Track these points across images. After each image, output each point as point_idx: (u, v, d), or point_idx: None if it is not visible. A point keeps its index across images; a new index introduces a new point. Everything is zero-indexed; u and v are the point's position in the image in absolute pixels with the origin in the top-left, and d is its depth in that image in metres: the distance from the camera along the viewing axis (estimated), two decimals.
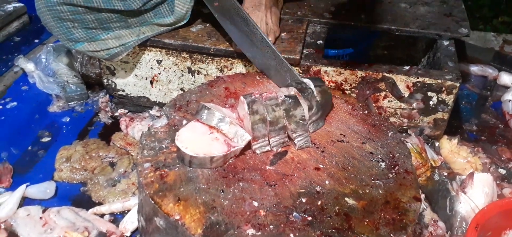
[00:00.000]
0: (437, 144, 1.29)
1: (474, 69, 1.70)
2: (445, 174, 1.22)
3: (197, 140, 0.83)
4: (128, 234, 1.05)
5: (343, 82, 1.17)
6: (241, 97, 0.88)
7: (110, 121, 1.37)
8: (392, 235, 0.74)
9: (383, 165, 0.87)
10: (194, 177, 0.81)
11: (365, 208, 0.79)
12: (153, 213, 0.79)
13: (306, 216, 0.76)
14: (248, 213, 0.76)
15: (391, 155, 0.90)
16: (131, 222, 1.06)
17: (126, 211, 1.10)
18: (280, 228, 0.74)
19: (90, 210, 1.10)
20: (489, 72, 1.69)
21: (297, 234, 0.73)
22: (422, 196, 1.14)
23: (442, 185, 1.15)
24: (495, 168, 1.27)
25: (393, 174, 0.85)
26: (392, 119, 1.21)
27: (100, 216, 1.10)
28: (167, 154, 0.84)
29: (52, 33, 1.16)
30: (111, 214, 1.10)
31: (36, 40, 1.73)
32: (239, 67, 1.19)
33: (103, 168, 1.20)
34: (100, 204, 1.12)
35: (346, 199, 0.80)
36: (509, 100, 1.53)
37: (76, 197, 1.14)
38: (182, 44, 1.18)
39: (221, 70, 1.20)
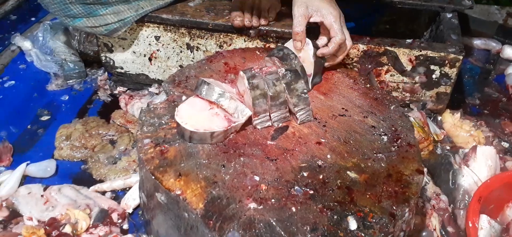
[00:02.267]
0: (439, 118, 1.28)
1: (477, 42, 1.68)
2: (448, 147, 1.21)
3: (197, 115, 0.82)
4: (130, 210, 1.05)
5: (345, 57, 1.15)
6: (241, 72, 0.87)
7: (109, 99, 1.36)
8: (394, 208, 0.74)
9: (385, 138, 0.86)
10: (195, 152, 0.80)
11: (367, 182, 0.78)
12: (154, 189, 0.78)
13: (308, 189, 0.76)
14: (249, 187, 0.75)
15: (393, 129, 0.89)
16: (132, 198, 1.06)
17: (127, 188, 1.10)
18: (281, 202, 0.73)
19: (92, 188, 1.10)
20: (493, 46, 1.67)
21: (298, 207, 0.73)
22: (425, 170, 1.13)
23: (444, 158, 1.14)
24: (498, 141, 1.26)
25: (396, 147, 0.85)
26: (394, 93, 1.20)
27: (101, 193, 1.09)
28: (167, 129, 0.83)
29: (49, 11, 1.14)
30: (113, 191, 1.10)
31: (33, 18, 1.71)
32: (239, 43, 1.17)
33: (104, 146, 1.19)
34: (101, 181, 1.12)
35: (348, 172, 0.79)
36: None
37: (77, 175, 1.14)
38: (180, 19, 1.16)
39: (221, 46, 1.18)
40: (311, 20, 0.98)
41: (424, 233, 1.02)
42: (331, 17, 0.96)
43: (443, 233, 1.02)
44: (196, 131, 0.80)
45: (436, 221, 1.03)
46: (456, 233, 1.03)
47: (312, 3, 0.97)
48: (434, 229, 1.02)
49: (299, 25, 0.96)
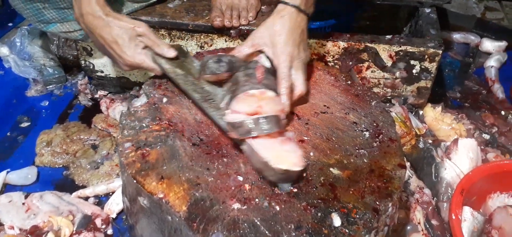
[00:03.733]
0: (421, 112, 1.29)
1: (457, 36, 1.71)
2: (430, 141, 1.23)
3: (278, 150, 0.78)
4: (114, 215, 1.04)
5: (326, 54, 1.16)
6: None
7: (90, 103, 1.34)
8: (377, 203, 0.74)
9: (367, 134, 0.87)
10: (177, 155, 0.79)
11: (350, 178, 0.78)
12: (136, 193, 0.77)
13: (292, 188, 0.76)
14: (233, 188, 0.75)
15: (375, 124, 0.89)
16: (116, 203, 1.05)
17: (110, 193, 1.09)
18: (266, 201, 0.73)
19: (74, 194, 1.08)
20: (472, 39, 1.69)
21: (282, 206, 0.73)
22: (408, 164, 1.14)
23: (427, 152, 1.15)
24: (479, 134, 1.28)
25: (377, 142, 0.85)
26: (375, 89, 1.21)
27: (84, 199, 1.08)
28: (148, 132, 0.82)
29: (22, 15, 1.12)
30: (96, 196, 1.09)
31: (10, 24, 1.68)
32: (220, 43, 1.16)
33: (85, 151, 1.18)
34: (83, 187, 1.11)
35: (331, 169, 0.79)
36: (492, 66, 1.54)
37: (59, 181, 1.13)
38: (159, 21, 1.15)
39: (202, 47, 1.18)
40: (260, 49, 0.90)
41: (408, 227, 1.03)
42: (281, 58, 0.86)
43: (427, 226, 1.03)
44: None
45: (420, 214, 1.04)
46: (440, 225, 1.04)
47: (273, 38, 0.88)
48: (418, 223, 1.03)
49: (244, 46, 0.92)
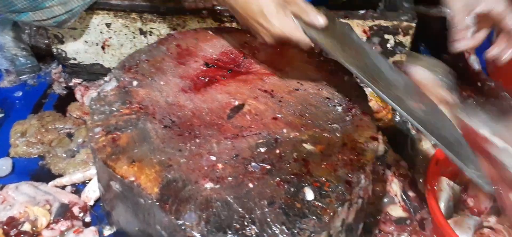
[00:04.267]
0: None
1: (433, 11, 1.71)
2: None
3: None
4: (91, 203, 1.04)
5: None
6: None
7: (64, 92, 1.32)
8: (350, 176, 0.75)
9: (340, 108, 0.87)
10: (148, 137, 0.79)
11: (323, 152, 0.78)
12: (109, 178, 0.77)
13: (265, 165, 0.76)
14: (206, 168, 0.75)
15: (347, 98, 0.89)
16: (93, 191, 1.04)
17: (87, 181, 1.07)
18: (239, 179, 0.73)
19: (51, 183, 1.07)
20: (448, 13, 1.69)
21: (256, 183, 0.73)
22: (384, 138, 1.15)
23: (402, 125, 1.16)
24: None
25: (350, 116, 0.85)
26: None
27: (61, 188, 1.07)
28: (118, 116, 0.81)
29: None
30: (73, 185, 1.08)
31: None
32: (193, 25, 1.15)
33: (61, 140, 1.16)
34: (60, 176, 1.09)
35: (304, 145, 0.80)
36: None
37: (35, 171, 1.11)
38: (130, 4, 1.14)
39: (174, 29, 1.17)
40: (477, 11, 0.82)
41: (385, 199, 1.04)
42: (501, 3, 0.79)
43: (404, 197, 1.04)
44: None
45: (396, 186, 1.05)
46: (417, 196, 1.05)
47: None
48: (396, 195, 1.05)
49: (460, 23, 0.84)
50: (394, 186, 1.05)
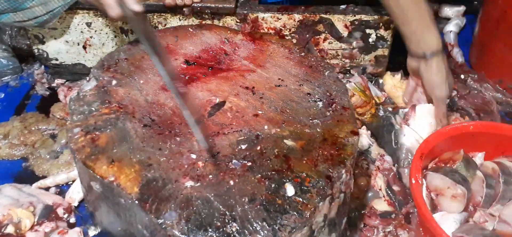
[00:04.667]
0: (380, 81, 1.31)
1: None
2: (390, 109, 1.24)
3: None
4: (76, 203, 1.03)
5: (282, 28, 1.15)
6: None
7: (47, 93, 1.31)
8: (331, 171, 0.75)
9: (320, 104, 0.87)
10: (128, 137, 0.78)
11: (303, 148, 0.79)
12: (89, 178, 0.76)
13: (246, 162, 0.76)
14: (186, 166, 0.75)
15: (328, 94, 0.89)
16: (77, 191, 1.03)
17: (71, 182, 1.07)
18: (219, 177, 0.73)
19: (34, 185, 1.06)
20: (431, 5, 1.70)
21: (237, 180, 0.73)
22: (368, 132, 1.16)
23: (386, 120, 1.17)
24: None
25: (330, 111, 0.86)
26: (334, 61, 1.21)
27: (45, 189, 1.06)
28: (98, 116, 0.81)
29: None
30: (57, 186, 1.07)
31: None
32: (173, 22, 1.15)
33: (44, 141, 1.15)
34: (44, 177, 1.09)
35: (285, 141, 0.80)
36: (451, 31, 1.56)
37: (18, 173, 1.10)
38: None
39: (156, 27, 1.16)
40: None
41: (369, 194, 1.05)
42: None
43: (389, 192, 1.05)
44: None
45: (381, 181, 1.06)
46: (402, 190, 1.06)
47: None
48: (380, 189, 1.05)
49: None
50: (379, 180, 1.05)
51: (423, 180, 1.00)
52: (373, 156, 1.12)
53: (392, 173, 1.08)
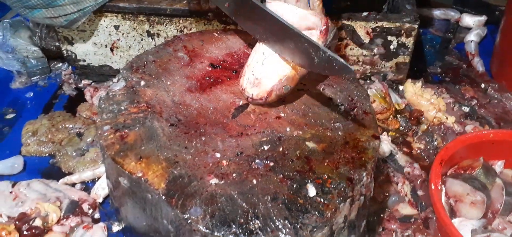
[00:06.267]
0: (401, 87, 1.32)
1: (437, 13, 1.73)
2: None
3: None
4: (101, 200, 1.06)
5: None
6: None
7: (74, 93, 1.35)
8: (352, 173, 0.76)
9: (342, 108, 0.89)
10: (155, 135, 0.81)
11: (325, 150, 0.80)
12: (117, 174, 0.79)
13: (268, 162, 0.78)
14: (211, 164, 0.77)
15: (349, 98, 0.91)
16: (102, 188, 1.07)
17: (96, 178, 1.10)
18: (243, 176, 0.75)
19: (61, 181, 1.10)
20: (452, 15, 1.71)
21: (259, 179, 0.75)
22: (389, 138, 1.17)
23: (406, 128, 1.18)
24: (458, 107, 1.30)
25: (352, 116, 0.87)
26: (355, 67, 1.23)
27: (71, 185, 1.10)
28: (126, 115, 0.84)
29: (6, 3, 1.13)
30: (82, 182, 1.11)
31: None
32: (199, 27, 1.18)
33: (71, 139, 1.19)
34: (70, 174, 1.12)
35: (307, 143, 0.82)
36: (471, 41, 1.57)
37: (45, 169, 1.14)
38: (137, 7, 1.16)
39: (181, 31, 1.19)
40: None
41: (393, 198, 1.05)
42: None
43: (414, 196, 1.06)
44: None
45: (408, 188, 1.07)
46: (426, 196, 1.07)
47: None
48: (406, 194, 1.06)
49: None
50: (406, 187, 1.06)
51: (443, 186, 1.01)
52: (402, 163, 1.12)
53: (420, 180, 1.09)
